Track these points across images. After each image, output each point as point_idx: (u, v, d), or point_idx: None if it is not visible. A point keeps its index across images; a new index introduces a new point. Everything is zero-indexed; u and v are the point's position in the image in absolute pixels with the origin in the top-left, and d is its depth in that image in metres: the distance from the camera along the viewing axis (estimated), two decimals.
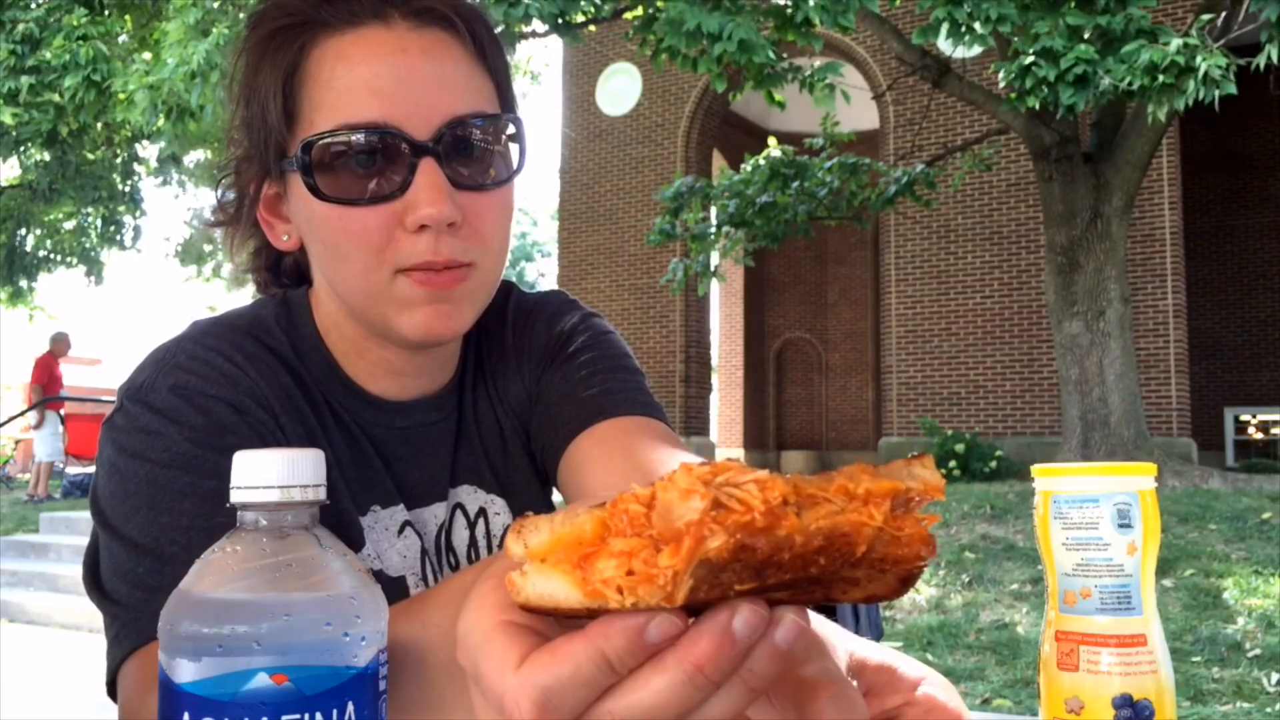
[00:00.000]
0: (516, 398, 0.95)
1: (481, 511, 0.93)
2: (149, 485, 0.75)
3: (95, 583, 0.77)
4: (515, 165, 0.81)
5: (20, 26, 10.95)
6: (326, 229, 0.77)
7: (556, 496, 0.99)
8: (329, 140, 0.74)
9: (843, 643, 0.60)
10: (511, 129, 0.80)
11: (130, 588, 0.73)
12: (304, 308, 0.88)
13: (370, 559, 0.84)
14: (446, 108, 0.76)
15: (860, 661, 0.59)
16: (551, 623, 0.39)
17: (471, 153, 0.77)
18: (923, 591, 5.69)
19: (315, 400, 0.85)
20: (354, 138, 0.74)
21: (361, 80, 0.75)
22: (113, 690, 0.75)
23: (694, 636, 0.36)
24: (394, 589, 0.84)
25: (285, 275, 0.93)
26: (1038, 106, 7.09)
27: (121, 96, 9.29)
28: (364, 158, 0.75)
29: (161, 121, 8.99)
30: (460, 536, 0.92)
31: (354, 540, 0.84)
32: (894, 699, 0.58)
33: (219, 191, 0.90)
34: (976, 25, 7.00)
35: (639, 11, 7.89)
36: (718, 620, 0.35)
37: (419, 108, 0.75)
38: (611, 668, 0.36)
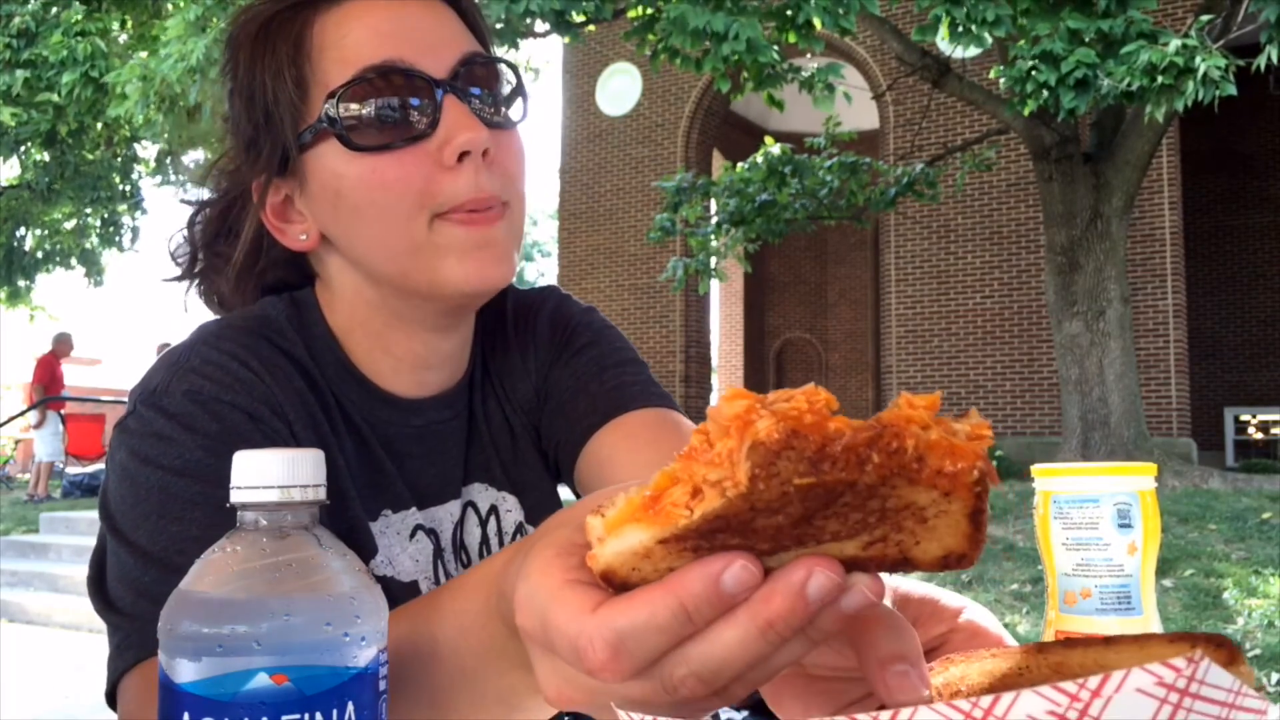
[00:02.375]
0: (524, 395, 0.96)
1: (493, 509, 0.93)
2: (160, 492, 0.74)
3: (100, 589, 0.76)
4: (523, 108, 0.83)
5: (16, 20, 10.94)
6: (361, 188, 0.77)
7: (565, 493, 0.99)
8: (353, 85, 0.75)
9: (886, 579, 0.60)
10: (513, 77, 0.82)
11: (135, 596, 0.73)
12: (314, 306, 0.87)
13: (382, 565, 0.84)
14: (456, 47, 0.78)
15: (904, 595, 0.59)
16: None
17: (487, 90, 0.79)
18: None
19: (327, 404, 0.84)
20: (377, 78, 0.75)
21: (369, 29, 0.76)
22: (112, 700, 0.74)
23: (768, 594, 0.36)
24: (406, 595, 0.83)
25: (269, 290, 0.91)
26: (1036, 110, 7.10)
27: (116, 90, 9.26)
28: (389, 100, 0.75)
29: (153, 113, 8.95)
30: (473, 535, 0.92)
31: (365, 548, 0.83)
32: (938, 628, 0.58)
33: (197, 227, 0.89)
34: (974, 27, 7.01)
35: (640, 11, 7.89)
36: (792, 580, 0.36)
37: (431, 48, 0.77)
38: (689, 617, 0.36)
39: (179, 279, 0.91)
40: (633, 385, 0.91)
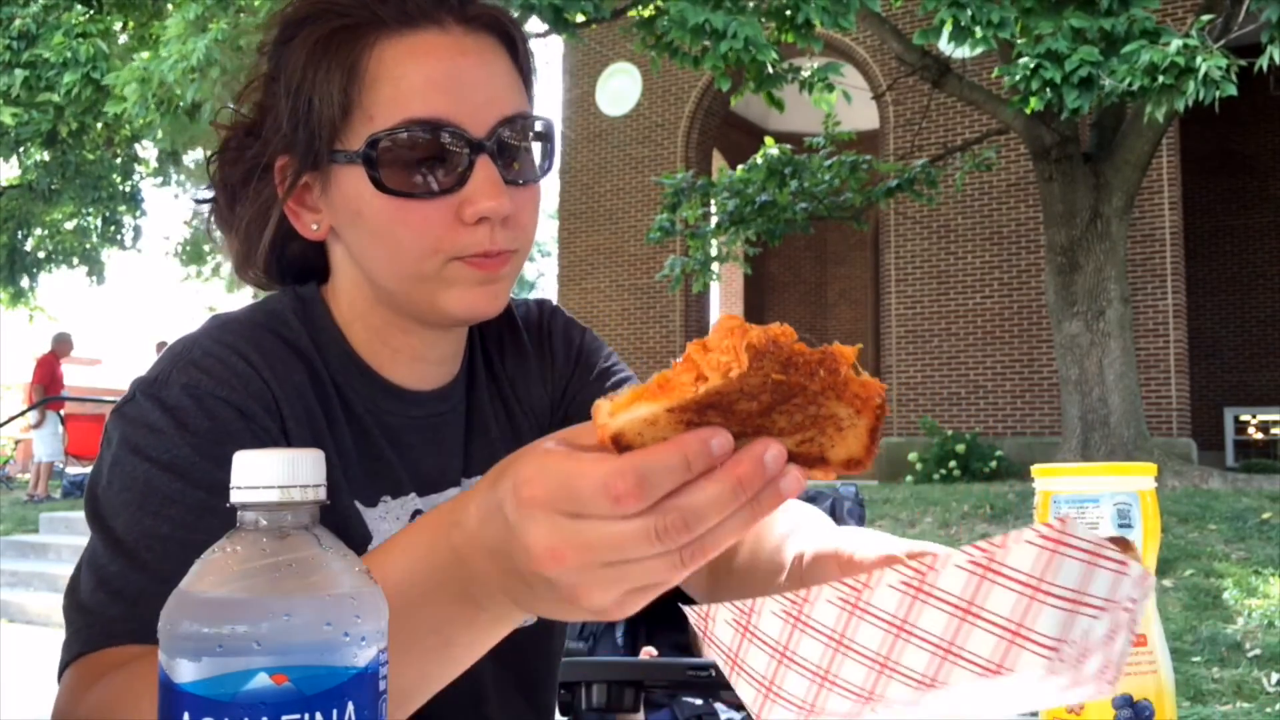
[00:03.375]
0: (539, 400, 1.01)
1: None
2: (143, 484, 0.75)
3: (74, 584, 0.77)
4: (548, 163, 0.87)
5: (17, 22, 10.94)
6: (382, 220, 0.80)
7: None
8: (395, 135, 0.78)
9: (883, 545, 0.66)
10: (544, 129, 0.86)
11: (96, 584, 0.74)
12: (318, 302, 0.90)
13: None
14: (498, 108, 0.81)
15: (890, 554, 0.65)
16: None
17: (517, 150, 0.83)
18: None
19: (327, 395, 0.86)
20: (420, 133, 0.78)
21: (425, 79, 0.79)
22: None
23: (738, 459, 0.47)
24: None
25: (288, 269, 0.93)
26: (1042, 108, 7.09)
27: (116, 91, 9.27)
28: (425, 152, 0.79)
29: (151, 113, 8.96)
30: None
31: (359, 536, 0.84)
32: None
33: (216, 173, 0.90)
34: (977, 30, 7.00)
35: (639, 11, 7.89)
36: (754, 451, 0.47)
37: (475, 107, 0.79)
38: (688, 466, 0.47)
39: (209, 200, 0.92)
40: None
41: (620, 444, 0.48)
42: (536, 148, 0.85)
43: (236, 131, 0.88)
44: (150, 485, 0.75)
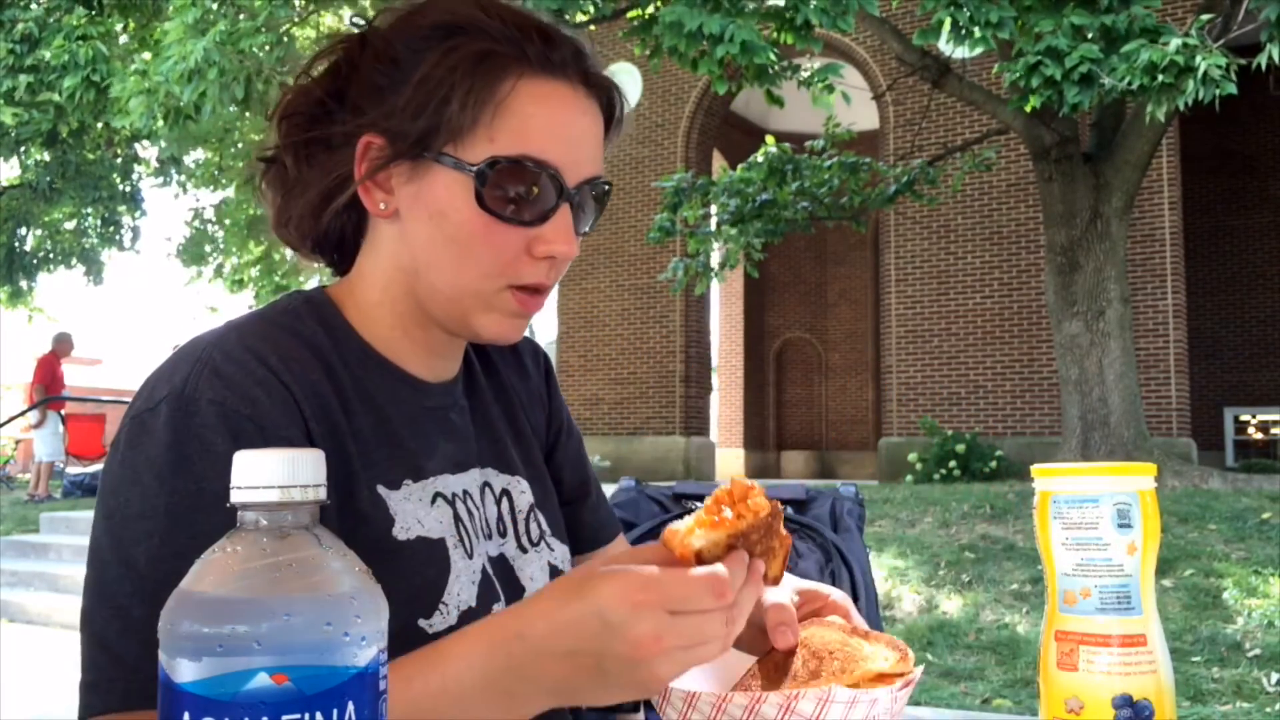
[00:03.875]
0: (538, 424, 1.11)
1: (505, 492, 1.01)
2: (167, 516, 0.75)
3: (91, 612, 0.76)
4: (596, 220, 0.97)
5: (19, 26, 10.95)
6: (466, 230, 0.86)
7: None
8: (512, 163, 0.85)
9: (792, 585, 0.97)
10: (607, 194, 0.96)
11: (123, 628, 0.73)
12: (328, 303, 0.93)
13: (413, 526, 0.88)
14: (589, 167, 0.90)
15: (803, 588, 0.97)
16: None
17: (585, 205, 0.92)
18: (922, 591, 5.69)
19: (343, 386, 0.89)
20: (532, 169, 0.86)
21: (549, 125, 0.87)
22: None
23: (756, 569, 0.71)
24: (435, 550, 0.89)
25: (324, 235, 0.95)
26: (1041, 106, 7.08)
27: (120, 103, 9.28)
28: (526, 186, 0.86)
29: (159, 124, 8.98)
30: (490, 510, 0.98)
31: (381, 518, 0.86)
32: (819, 601, 0.96)
33: (286, 133, 0.92)
34: (976, 30, 7.00)
35: (638, 12, 7.88)
36: (758, 571, 0.71)
37: (575, 161, 0.88)
38: (745, 574, 0.69)
39: (271, 160, 0.94)
40: (609, 522, 1.16)
41: (701, 559, 0.68)
42: (594, 207, 0.94)
43: (311, 96, 0.91)
44: (174, 518, 0.75)
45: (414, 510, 0.89)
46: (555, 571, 1.00)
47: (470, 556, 0.91)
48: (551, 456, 1.12)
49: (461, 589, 0.89)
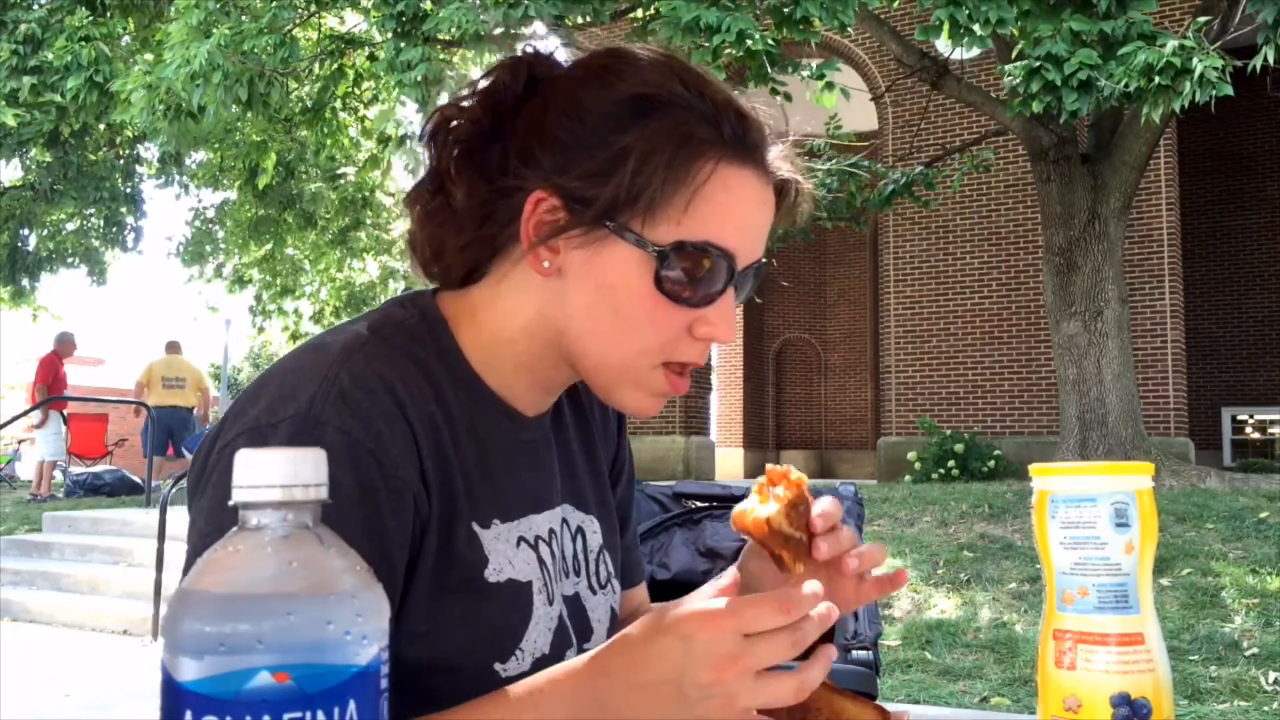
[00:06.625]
0: (606, 444, 1.09)
1: (580, 530, 0.99)
2: None
3: None
4: (750, 294, 0.96)
5: (22, 27, 10.92)
6: (635, 305, 0.84)
7: None
8: (697, 250, 0.83)
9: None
10: (757, 275, 0.94)
11: None
12: (441, 321, 0.89)
13: (505, 568, 0.87)
14: (757, 252, 0.89)
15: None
16: None
17: (746, 285, 0.90)
18: (921, 590, 5.69)
19: (453, 417, 0.86)
20: (714, 257, 0.84)
21: (738, 217, 0.85)
22: None
23: (817, 591, 0.71)
24: (522, 595, 0.88)
25: (464, 273, 0.92)
26: (1040, 111, 7.09)
27: (121, 97, 9.27)
28: (703, 271, 0.84)
29: (159, 120, 8.98)
30: (566, 548, 0.96)
31: (477, 559, 0.85)
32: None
33: (456, 171, 0.88)
34: (976, 27, 7.00)
35: (640, 14, 7.88)
36: (818, 594, 0.70)
37: (749, 251, 0.87)
38: (816, 596, 0.70)
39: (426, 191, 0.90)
40: (637, 566, 1.14)
41: (771, 526, 0.80)
42: (751, 285, 0.92)
43: (475, 119, 0.87)
44: None
45: (504, 551, 0.87)
46: (614, 614, 1.00)
47: (550, 603, 0.90)
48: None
49: (539, 636, 0.88)
